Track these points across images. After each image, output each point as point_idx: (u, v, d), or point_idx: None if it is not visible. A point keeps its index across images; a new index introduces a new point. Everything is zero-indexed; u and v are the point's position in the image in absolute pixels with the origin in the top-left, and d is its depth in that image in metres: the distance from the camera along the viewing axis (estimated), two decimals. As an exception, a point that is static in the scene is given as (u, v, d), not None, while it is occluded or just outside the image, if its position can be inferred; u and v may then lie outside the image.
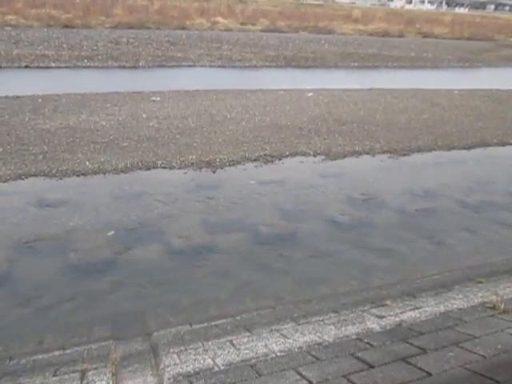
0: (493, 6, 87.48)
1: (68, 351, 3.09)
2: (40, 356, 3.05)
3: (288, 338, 3.01)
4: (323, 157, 7.85)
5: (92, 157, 7.08)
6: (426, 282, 4.17)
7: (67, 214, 5.36)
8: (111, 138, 7.99)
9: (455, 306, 3.44)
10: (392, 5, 67.43)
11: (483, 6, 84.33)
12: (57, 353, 3.08)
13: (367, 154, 8.17)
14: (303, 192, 6.42)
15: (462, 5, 78.11)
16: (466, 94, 14.28)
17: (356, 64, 20.21)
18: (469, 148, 8.88)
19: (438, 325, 3.09)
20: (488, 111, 11.98)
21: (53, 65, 15.22)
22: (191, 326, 3.36)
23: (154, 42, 19.76)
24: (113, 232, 4.99)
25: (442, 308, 3.42)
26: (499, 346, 2.63)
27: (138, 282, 4.18)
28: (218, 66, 17.61)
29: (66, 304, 3.84)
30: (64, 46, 17.41)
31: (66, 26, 21.99)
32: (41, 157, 6.95)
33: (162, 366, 2.75)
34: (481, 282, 3.93)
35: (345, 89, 13.82)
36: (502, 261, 4.72)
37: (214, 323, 3.38)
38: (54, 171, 6.47)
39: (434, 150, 8.64)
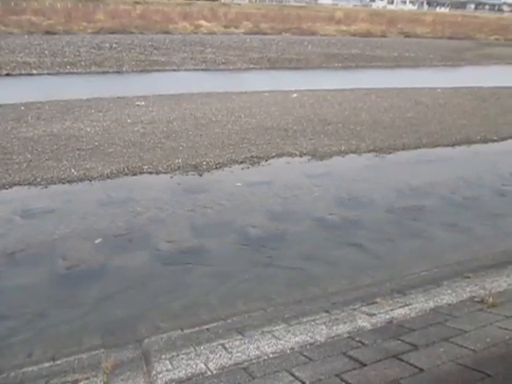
0: (473, 6, 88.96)
1: (58, 362, 3.05)
2: (30, 368, 3.00)
3: (280, 340, 3.01)
4: (309, 157, 7.88)
5: (77, 164, 7.01)
6: (415, 279, 4.20)
7: (53, 222, 5.30)
8: (96, 144, 7.92)
9: (445, 302, 3.47)
10: (374, 5, 68.15)
11: (464, 6, 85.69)
12: (47, 364, 3.03)
13: (353, 153, 8.23)
14: (291, 193, 6.44)
15: (443, 4, 79.28)
16: (449, 92, 14.48)
17: (340, 65, 20.36)
18: (453, 145, 8.99)
19: (428, 321, 3.12)
20: (471, 109, 12.15)
21: (35, 72, 15.05)
22: (182, 330, 3.34)
23: (138, 46, 19.67)
24: (100, 239, 4.95)
25: (431, 304, 3.45)
26: (488, 340, 2.66)
27: (127, 288, 4.14)
28: (203, 70, 17.59)
29: (54, 314, 3.79)
30: (46, 52, 17.23)
31: (48, 33, 21.78)
32: (25, 165, 6.86)
33: (154, 373, 2.73)
34: (469, 277, 3.98)
35: (329, 89, 13.91)
36: (489, 256, 4.79)
37: (205, 327, 3.36)
38: (38, 179, 6.39)
39: (419, 147, 8.74)
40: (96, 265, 4.47)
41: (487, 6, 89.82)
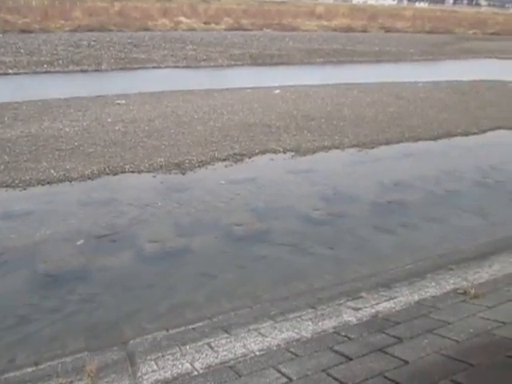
0: (451, 0, 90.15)
1: (42, 367, 3.01)
2: (12, 374, 2.95)
3: (266, 337, 3.02)
4: (293, 153, 7.90)
5: (57, 165, 6.91)
6: (400, 272, 4.26)
7: (34, 224, 5.21)
8: (76, 144, 7.81)
9: (429, 294, 3.53)
10: (354, 0, 68.53)
11: (442, 1, 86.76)
12: (30, 369, 2.99)
13: (337, 148, 8.28)
14: (275, 190, 6.45)
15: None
16: (430, 86, 14.66)
17: (321, 60, 20.43)
18: (435, 139, 9.12)
19: (412, 313, 3.16)
20: (452, 102, 12.33)
21: (10, 71, 14.75)
22: (168, 331, 3.33)
23: (117, 44, 19.43)
24: (82, 241, 4.89)
25: (416, 297, 3.50)
26: (471, 330, 2.72)
27: (110, 290, 4.10)
28: (183, 67, 17.47)
29: (36, 318, 3.74)
30: (22, 51, 16.89)
31: (24, 31, 21.34)
32: (2, 167, 6.73)
33: (139, 374, 2.71)
34: (452, 269, 4.05)
35: (311, 85, 13.96)
36: (471, 247, 4.88)
37: (190, 327, 3.35)
38: (17, 181, 6.28)
39: (402, 142, 8.84)
40: (78, 267, 4.42)
41: (465, 1, 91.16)
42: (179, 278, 4.33)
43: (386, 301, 3.48)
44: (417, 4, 74.58)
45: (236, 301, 3.94)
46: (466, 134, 9.53)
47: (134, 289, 4.13)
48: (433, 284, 3.75)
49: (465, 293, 3.38)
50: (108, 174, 6.69)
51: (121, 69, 16.36)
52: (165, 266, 4.50)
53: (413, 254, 4.78)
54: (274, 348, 2.85)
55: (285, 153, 7.93)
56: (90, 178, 6.51)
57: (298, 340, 2.94)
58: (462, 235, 5.29)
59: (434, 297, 3.46)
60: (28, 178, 6.39)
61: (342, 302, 3.56)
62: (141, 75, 15.81)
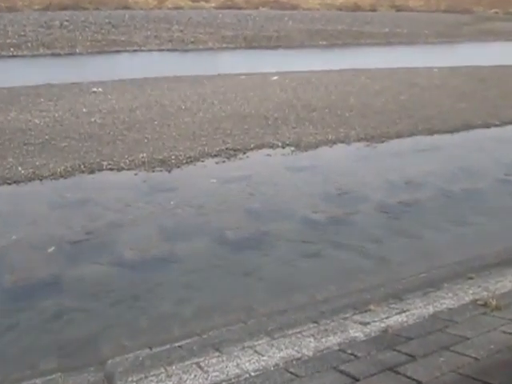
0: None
1: (8, 390, 3.00)
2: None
3: (263, 355, 3.02)
4: (293, 148, 7.92)
5: (25, 161, 6.88)
6: (413, 282, 4.27)
7: (-2, 229, 5.20)
8: (47, 137, 7.79)
9: (445, 306, 3.54)
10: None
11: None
12: (-6, 393, 2.98)
13: (342, 142, 8.30)
14: (272, 189, 6.46)
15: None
16: (446, 72, 14.73)
17: (324, 42, 20.50)
18: (452, 131, 9.16)
19: (427, 328, 3.17)
20: (470, 90, 12.39)
21: (-28, 55, 14.70)
22: (151, 349, 3.33)
23: (93, 24, 19.38)
24: (54, 247, 4.87)
25: (430, 309, 3.51)
26: (492, 347, 2.73)
27: (86, 303, 4.09)
28: (169, 50, 17.47)
29: (3, 335, 3.72)
30: (-16, 32, 16.83)
31: (-14, 10, 21.26)
32: (-37, 164, 6.71)
33: (119, 398, 2.71)
34: (471, 278, 4.07)
35: (313, 70, 13.98)
36: (493, 254, 4.90)
37: (177, 344, 3.35)
38: (-21, 180, 6.26)
39: (415, 135, 8.87)
40: (49, 277, 4.40)
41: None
42: (164, 289, 4.32)
43: (397, 314, 3.49)
44: (432, -21, 74.73)
45: (228, 315, 3.94)
46: (487, 126, 9.57)
47: (112, 302, 4.12)
48: (449, 295, 3.76)
49: (485, 304, 3.39)
50: (83, 171, 6.67)
51: (98, 52, 16.32)
52: (148, 276, 4.49)
53: (427, 262, 4.79)
54: (272, 368, 2.86)
55: (283, 147, 7.93)
56: (62, 177, 6.49)
57: (298, 359, 2.94)
58: (482, 240, 5.31)
59: (450, 309, 3.47)
60: (-8, 176, 6.37)
61: (347, 315, 3.57)
62: (120, 60, 15.79)
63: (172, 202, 5.95)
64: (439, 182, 6.90)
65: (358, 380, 2.55)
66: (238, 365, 2.94)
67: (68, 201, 5.90)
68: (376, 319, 3.42)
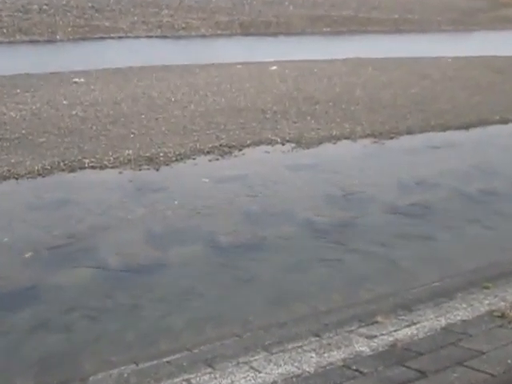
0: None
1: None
2: None
3: (259, 372, 3.03)
4: (293, 145, 7.92)
5: (-1, 158, 6.88)
6: (424, 292, 4.28)
7: (-30, 232, 5.18)
8: (23, 132, 7.77)
9: (458, 318, 3.55)
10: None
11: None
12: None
13: (347, 138, 8.31)
14: (270, 190, 6.46)
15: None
16: (461, 62, 14.76)
17: (328, 29, 20.53)
18: (467, 127, 9.18)
19: (439, 342, 3.18)
20: (487, 83, 12.42)
21: None
22: (137, 365, 3.32)
23: (74, 8, 19.36)
24: (31, 253, 4.86)
25: (443, 321, 3.52)
26: (509, 361, 2.74)
27: (66, 314, 4.08)
28: (157, 37, 17.47)
29: (-27, 349, 3.71)
30: (-45, 16, 16.79)
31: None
32: None
33: (102, 419, 2.71)
34: (487, 288, 4.07)
35: (316, 60, 13.99)
36: (510, 261, 4.91)
37: (165, 360, 3.35)
38: (-51, 179, 6.24)
39: (427, 131, 8.89)
40: (26, 285, 4.39)
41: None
42: (151, 299, 4.31)
43: (406, 326, 3.49)
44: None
45: (222, 327, 3.94)
46: (505, 122, 9.61)
47: (94, 313, 4.11)
48: (463, 305, 3.77)
49: (502, 316, 3.41)
50: (63, 169, 6.66)
51: (80, 39, 16.31)
52: (133, 285, 4.49)
53: (439, 269, 4.80)
54: (269, 385, 2.86)
55: (283, 144, 7.94)
56: (40, 175, 6.48)
57: (298, 376, 2.94)
58: (499, 246, 5.32)
59: (464, 321, 3.48)
60: (-37, 174, 6.36)
61: (352, 328, 3.57)
62: (104, 47, 15.77)
63: (160, 204, 5.94)
64: (453, 183, 6.91)
65: (363, 399, 2.55)
66: (232, 382, 2.94)
67: (46, 202, 5.88)
68: (384, 332, 3.43)
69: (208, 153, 7.42)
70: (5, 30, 15.91)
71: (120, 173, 6.69)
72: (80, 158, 6.97)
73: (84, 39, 16.37)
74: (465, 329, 3.33)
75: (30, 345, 3.76)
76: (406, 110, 9.86)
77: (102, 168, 6.77)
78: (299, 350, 3.29)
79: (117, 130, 8.08)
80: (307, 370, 3.01)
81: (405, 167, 7.40)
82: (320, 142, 8.06)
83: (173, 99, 9.78)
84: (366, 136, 8.45)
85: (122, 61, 12.83)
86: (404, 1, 28.89)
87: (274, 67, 12.91)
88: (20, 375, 3.45)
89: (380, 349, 3.19)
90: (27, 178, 6.41)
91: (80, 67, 11.97)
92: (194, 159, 7.21)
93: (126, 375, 3.19)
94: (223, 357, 3.30)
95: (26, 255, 4.83)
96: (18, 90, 9.99)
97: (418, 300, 4.04)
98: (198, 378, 3.02)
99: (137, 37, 17.18)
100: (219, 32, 18.64)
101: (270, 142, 7.94)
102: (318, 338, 3.46)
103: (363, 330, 3.51)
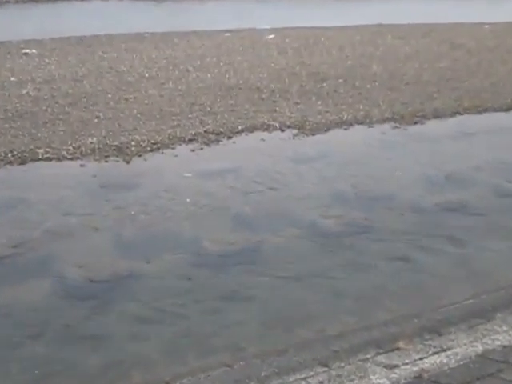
0: None
1: None
2: None
3: (254, 411, 3.03)
4: (295, 131, 7.92)
5: None
6: (455, 311, 4.29)
7: None
8: (-39, 116, 7.76)
9: (498, 343, 3.56)
10: None
11: None
12: None
13: (361, 123, 8.32)
14: (267, 186, 6.45)
15: None
16: (501, 29, 14.80)
17: (338, -11, 20.50)
18: (507, 109, 9.20)
19: (474, 372, 3.19)
20: (533, 54, 12.46)
21: None
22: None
23: (24, -38, 19.27)
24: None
25: (479, 347, 3.53)
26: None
27: (14, 338, 4.08)
28: (128, -2, 17.42)
29: None
30: None
31: None
32: None
33: None
34: (533, 306, 4.09)
35: (323, 27, 14.01)
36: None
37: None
38: None
39: (459, 113, 8.91)
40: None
41: None
42: (120, 321, 4.31)
43: (434, 354, 3.50)
44: None
45: (208, 356, 3.93)
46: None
47: (49, 337, 4.11)
48: (504, 328, 3.78)
49: (551, 341, 3.42)
50: (11, 161, 6.65)
51: (31, 0, 16.23)
52: (98, 304, 4.48)
53: (474, 284, 4.81)
54: (266, 427, 2.86)
55: (283, 130, 7.94)
56: (-18, 169, 6.48)
57: (301, 415, 2.95)
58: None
59: (505, 347, 3.49)
60: None
61: (368, 356, 3.58)
62: (62, 10, 15.72)
63: (131, 205, 5.93)
64: (490, 178, 6.92)
65: None
66: (220, 423, 2.94)
67: (-10, 202, 5.88)
68: (406, 361, 3.44)
69: (190, 141, 7.42)
70: None
71: (81, 166, 6.69)
72: (32, 147, 6.96)
73: (37, 0, 16.31)
74: (505, 357, 3.34)
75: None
76: (434, 87, 9.88)
77: (59, 160, 6.76)
78: (303, 382, 3.30)
79: (77, 113, 8.06)
80: (313, 407, 3.02)
81: (431, 158, 7.42)
82: (328, 128, 8.07)
83: (146, 75, 9.76)
84: (385, 120, 8.46)
85: (84, 27, 12.80)
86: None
87: (272, 36, 12.91)
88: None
89: (402, 381, 3.20)
90: (-34, 172, 6.41)
91: (31, 35, 11.92)
92: (172, 149, 7.21)
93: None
94: (209, 392, 3.31)
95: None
96: (-45, 64, 9.97)
97: (448, 321, 4.05)
98: (178, 419, 3.02)
99: (102, -2, 17.16)
100: (204, -9, 18.63)
101: (267, 128, 7.94)
102: (326, 369, 3.46)
103: (381, 359, 3.51)
